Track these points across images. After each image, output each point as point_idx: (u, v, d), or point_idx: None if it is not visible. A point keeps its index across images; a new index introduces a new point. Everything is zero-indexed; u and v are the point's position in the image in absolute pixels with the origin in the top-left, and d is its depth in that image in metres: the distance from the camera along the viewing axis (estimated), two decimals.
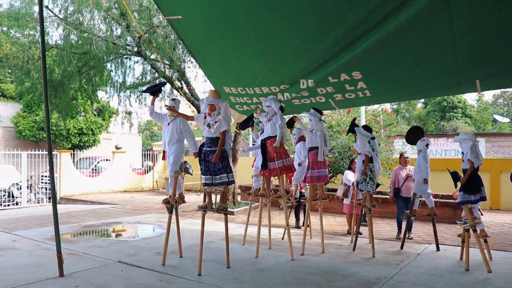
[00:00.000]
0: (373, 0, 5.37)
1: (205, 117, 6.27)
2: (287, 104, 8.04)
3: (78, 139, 22.81)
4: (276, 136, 6.83)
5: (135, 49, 13.25)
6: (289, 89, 7.68)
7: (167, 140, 6.62)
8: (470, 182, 6.55)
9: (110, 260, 6.80)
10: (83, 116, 23.11)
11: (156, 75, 13.37)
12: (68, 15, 12.45)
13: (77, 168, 19.19)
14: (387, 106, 18.83)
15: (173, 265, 6.47)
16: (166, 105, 6.72)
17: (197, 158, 6.42)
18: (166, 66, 13.21)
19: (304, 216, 9.07)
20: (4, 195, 14.52)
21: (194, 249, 7.39)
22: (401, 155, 9.53)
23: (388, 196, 10.37)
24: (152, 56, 13.17)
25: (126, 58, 13.78)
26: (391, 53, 6.21)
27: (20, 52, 13.35)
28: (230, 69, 7.80)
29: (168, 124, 6.63)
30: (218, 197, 7.22)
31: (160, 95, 6.81)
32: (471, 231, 6.60)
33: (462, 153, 6.75)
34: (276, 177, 7.21)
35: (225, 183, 6.19)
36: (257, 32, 6.58)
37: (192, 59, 12.80)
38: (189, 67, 14.39)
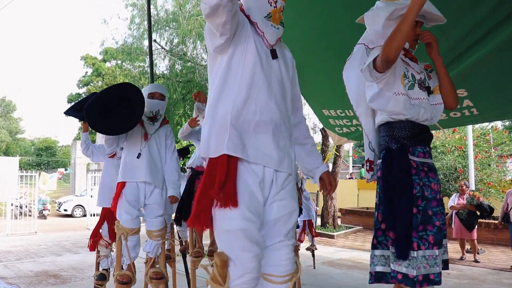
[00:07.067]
0: (478, 14, 5.08)
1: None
2: None
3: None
4: None
5: None
6: None
7: (142, 173, 3.59)
8: None
9: None
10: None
11: None
12: (173, 47, 13.33)
13: None
14: (498, 123, 17.56)
15: None
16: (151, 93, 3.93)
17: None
18: None
19: None
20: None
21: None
22: None
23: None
24: None
25: None
26: (502, 64, 5.79)
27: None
28: (330, 91, 7.75)
29: (147, 140, 3.71)
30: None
31: None
32: None
33: None
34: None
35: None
36: None
37: None
38: None
